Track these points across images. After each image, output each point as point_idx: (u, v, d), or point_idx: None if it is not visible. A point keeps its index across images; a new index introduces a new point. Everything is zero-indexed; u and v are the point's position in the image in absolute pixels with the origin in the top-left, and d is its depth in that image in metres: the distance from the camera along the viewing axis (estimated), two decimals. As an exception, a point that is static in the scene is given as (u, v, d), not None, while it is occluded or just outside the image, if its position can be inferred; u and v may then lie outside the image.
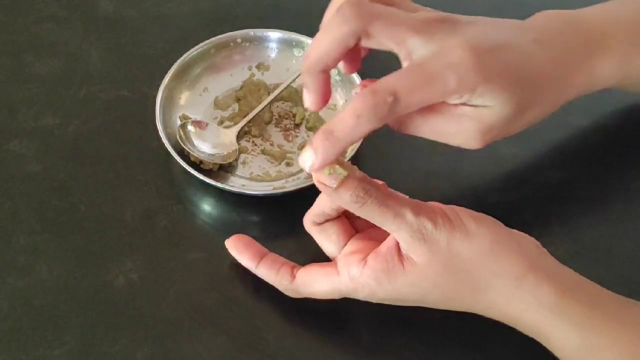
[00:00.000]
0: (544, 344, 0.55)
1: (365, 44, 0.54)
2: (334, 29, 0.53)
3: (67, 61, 0.75)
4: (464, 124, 0.54)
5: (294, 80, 0.71)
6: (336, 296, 0.58)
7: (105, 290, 0.61)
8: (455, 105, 0.54)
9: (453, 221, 0.54)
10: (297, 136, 0.71)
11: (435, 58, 0.53)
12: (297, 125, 0.71)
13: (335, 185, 0.53)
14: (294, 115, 0.72)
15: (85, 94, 0.72)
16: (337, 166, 0.53)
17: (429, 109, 0.54)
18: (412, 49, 0.53)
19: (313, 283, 0.58)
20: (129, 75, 0.74)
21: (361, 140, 0.61)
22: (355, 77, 0.70)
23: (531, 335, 0.56)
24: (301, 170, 0.69)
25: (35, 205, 0.66)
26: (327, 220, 0.59)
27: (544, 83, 0.57)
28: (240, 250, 0.61)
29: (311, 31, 0.73)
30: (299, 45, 0.74)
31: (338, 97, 0.73)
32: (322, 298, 0.59)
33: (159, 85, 0.69)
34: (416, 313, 0.59)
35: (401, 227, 0.54)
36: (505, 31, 0.56)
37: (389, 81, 0.52)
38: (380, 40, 0.53)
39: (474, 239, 0.54)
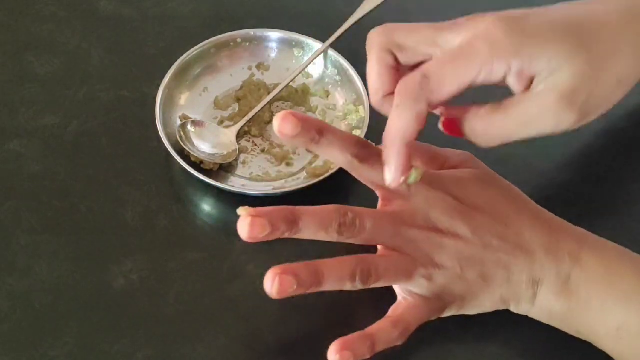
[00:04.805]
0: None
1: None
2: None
3: (67, 61, 0.75)
4: (543, 98, 0.51)
5: (293, 79, 0.71)
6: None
7: (105, 290, 0.61)
8: (528, 89, 0.52)
9: None
10: (297, 136, 0.71)
11: (465, 38, 0.53)
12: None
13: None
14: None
15: (85, 94, 0.72)
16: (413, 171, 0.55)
17: (506, 106, 0.53)
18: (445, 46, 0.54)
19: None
20: (129, 75, 0.74)
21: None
22: (355, 77, 0.70)
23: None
24: (301, 170, 0.68)
25: (35, 205, 0.66)
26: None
27: (603, 30, 0.53)
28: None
29: (311, 31, 0.74)
30: (299, 45, 0.74)
31: (338, 96, 0.73)
32: None
33: (159, 85, 0.69)
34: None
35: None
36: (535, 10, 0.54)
37: (420, 67, 0.53)
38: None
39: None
